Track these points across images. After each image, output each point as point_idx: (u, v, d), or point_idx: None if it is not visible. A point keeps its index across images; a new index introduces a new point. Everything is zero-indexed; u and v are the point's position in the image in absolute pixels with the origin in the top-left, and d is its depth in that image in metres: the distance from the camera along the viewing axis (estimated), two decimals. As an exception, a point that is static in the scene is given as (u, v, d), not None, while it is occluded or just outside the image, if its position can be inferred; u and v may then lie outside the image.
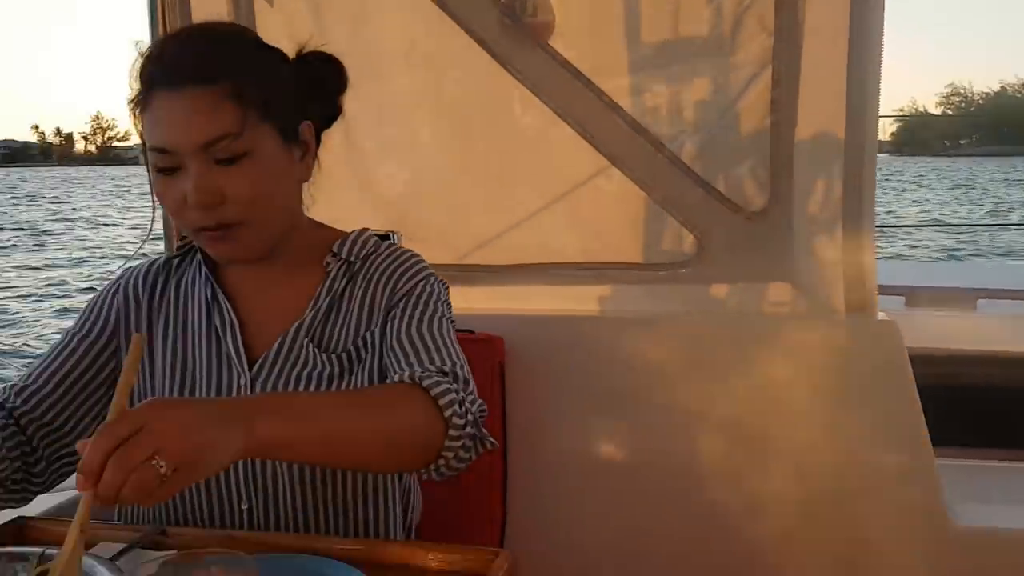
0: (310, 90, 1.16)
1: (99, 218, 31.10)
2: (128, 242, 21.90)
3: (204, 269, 1.22)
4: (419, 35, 1.87)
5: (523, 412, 1.66)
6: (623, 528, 1.74)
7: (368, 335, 1.18)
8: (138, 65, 1.11)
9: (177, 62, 1.07)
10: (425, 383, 1.04)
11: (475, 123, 1.88)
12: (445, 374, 1.08)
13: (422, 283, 1.21)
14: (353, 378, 1.17)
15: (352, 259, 1.21)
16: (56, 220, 30.16)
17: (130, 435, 0.74)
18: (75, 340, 1.21)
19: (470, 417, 1.06)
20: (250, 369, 1.17)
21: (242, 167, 1.06)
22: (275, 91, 1.10)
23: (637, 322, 1.77)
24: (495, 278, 1.77)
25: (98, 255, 19.89)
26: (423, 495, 1.32)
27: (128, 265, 1.31)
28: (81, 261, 18.82)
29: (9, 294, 14.37)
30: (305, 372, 1.16)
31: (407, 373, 1.07)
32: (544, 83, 1.79)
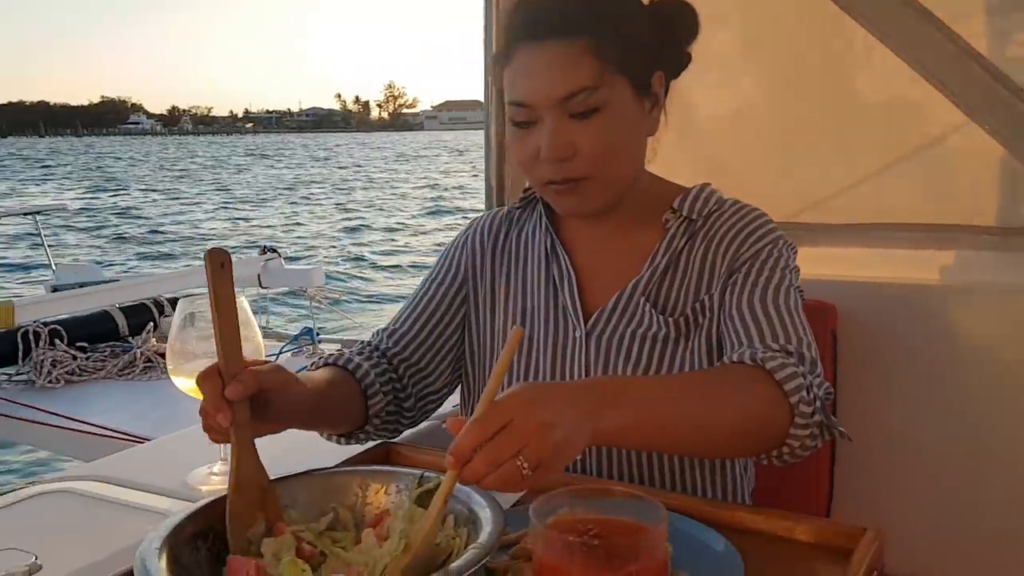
0: (662, 38, 1.13)
1: (384, 180, 33.79)
2: (400, 200, 23.59)
3: (544, 221, 1.25)
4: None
5: (855, 385, 1.55)
6: (957, 516, 1.58)
7: (706, 298, 1.14)
8: (503, 20, 1.14)
9: (540, 16, 1.08)
10: (769, 365, 0.99)
11: (807, 72, 1.76)
12: (790, 354, 1.02)
13: (769, 246, 1.14)
14: (689, 344, 1.14)
15: (694, 216, 1.17)
16: (346, 180, 33.25)
17: (499, 430, 0.77)
18: (433, 286, 1.29)
19: (818, 404, 1.00)
20: (585, 323, 1.17)
21: (595, 121, 1.06)
22: (632, 42, 1.08)
23: (988, 294, 1.57)
24: (827, 239, 1.66)
25: (384, 214, 21.61)
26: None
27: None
28: (360, 222, 20.49)
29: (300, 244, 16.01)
30: (639, 332, 1.15)
31: (748, 353, 1.02)
32: (889, 27, 1.63)
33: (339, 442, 1.18)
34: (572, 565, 0.62)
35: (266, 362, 0.93)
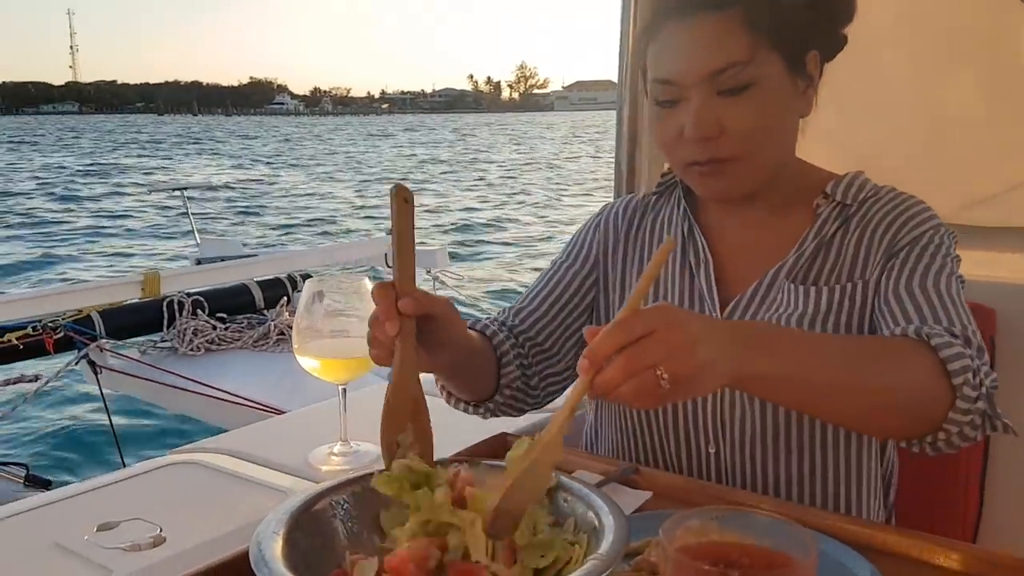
0: (817, 16, 1.07)
1: (505, 160, 34.07)
2: (520, 180, 23.71)
3: (683, 205, 1.20)
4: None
5: (1014, 394, 1.40)
6: None
7: (859, 283, 1.08)
8: None
9: None
10: (934, 342, 0.92)
11: (967, 57, 1.61)
12: (956, 336, 0.95)
13: (929, 232, 1.08)
14: (835, 319, 1.07)
15: (848, 202, 1.11)
16: (471, 161, 33.81)
17: (641, 337, 0.72)
18: (562, 268, 1.26)
19: (983, 390, 0.92)
20: (722, 309, 1.13)
21: (745, 98, 1.01)
22: (787, 17, 1.03)
23: None
24: (987, 242, 1.52)
25: (504, 193, 21.75)
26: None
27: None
28: (479, 201, 20.66)
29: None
30: (782, 315, 1.09)
31: (912, 328, 0.95)
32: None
33: (465, 410, 1.17)
34: (705, 596, 0.56)
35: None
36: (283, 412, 1.76)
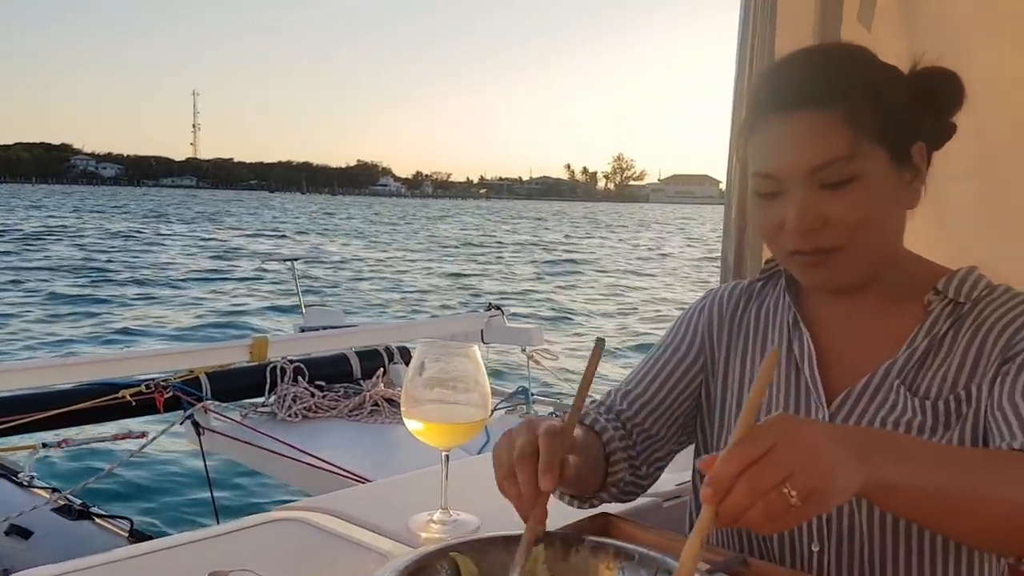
0: (923, 108, 1.06)
1: (593, 249, 34.26)
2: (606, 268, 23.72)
3: (787, 295, 1.19)
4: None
5: None
6: None
7: (974, 388, 1.04)
8: (750, 92, 1.12)
9: (790, 86, 1.05)
10: None
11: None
12: None
13: None
14: (949, 434, 1.03)
15: (960, 299, 1.08)
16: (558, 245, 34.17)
17: (761, 456, 0.72)
18: (668, 352, 1.26)
19: None
20: (828, 405, 1.10)
21: (849, 191, 1.01)
22: (890, 111, 1.03)
23: None
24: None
25: (586, 280, 21.75)
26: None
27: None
28: (563, 283, 20.67)
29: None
30: (892, 418, 1.06)
31: (1019, 440, 0.93)
32: None
33: (570, 503, 1.16)
34: None
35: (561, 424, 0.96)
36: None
